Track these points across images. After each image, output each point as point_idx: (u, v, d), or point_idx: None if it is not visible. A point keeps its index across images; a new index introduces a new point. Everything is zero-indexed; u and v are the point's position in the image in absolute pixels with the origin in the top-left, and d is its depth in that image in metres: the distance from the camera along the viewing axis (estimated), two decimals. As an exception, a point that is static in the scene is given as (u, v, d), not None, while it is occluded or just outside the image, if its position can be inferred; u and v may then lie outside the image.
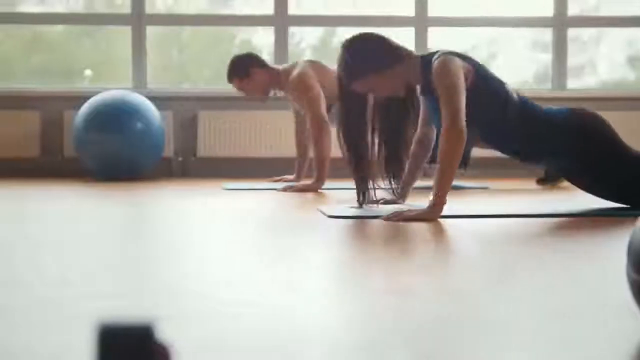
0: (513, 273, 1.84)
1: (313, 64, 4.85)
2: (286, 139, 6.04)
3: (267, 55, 6.50)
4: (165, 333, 1.25)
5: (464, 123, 2.93)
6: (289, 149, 5.82)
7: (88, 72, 6.78)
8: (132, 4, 6.33)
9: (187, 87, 6.74)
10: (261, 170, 6.06)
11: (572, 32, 6.75)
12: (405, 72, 3.14)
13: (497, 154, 5.25)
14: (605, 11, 6.91)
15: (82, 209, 3.44)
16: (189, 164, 6.28)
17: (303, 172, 5.19)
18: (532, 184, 5.02)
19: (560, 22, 6.51)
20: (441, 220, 2.90)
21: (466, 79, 3.03)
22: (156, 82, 6.57)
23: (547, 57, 6.83)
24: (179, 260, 2.05)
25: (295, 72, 4.79)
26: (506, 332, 1.28)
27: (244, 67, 4.92)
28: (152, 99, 5.88)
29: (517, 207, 3.38)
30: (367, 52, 3.12)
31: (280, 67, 5.03)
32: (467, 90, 3.02)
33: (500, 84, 3.15)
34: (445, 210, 2.94)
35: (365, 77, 3.10)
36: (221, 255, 2.16)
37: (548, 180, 4.93)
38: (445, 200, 2.93)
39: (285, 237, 2.52)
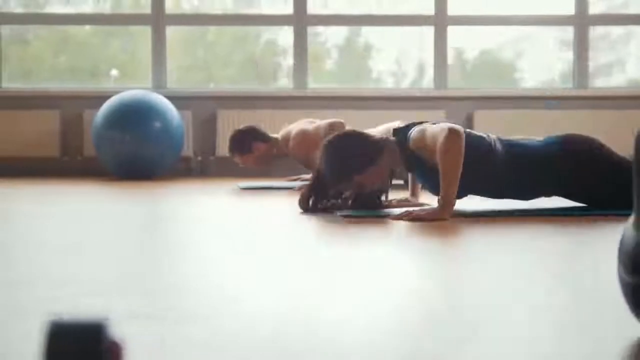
0: (514, 271, 1.83)
1: (307, 122, 4.90)
2: (305, 138, 6.04)
3: (290, 55, 6.52)
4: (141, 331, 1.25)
5: (458, 126, 2.92)
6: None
7: (114, 72, 6.83)
8: (152, 4, 6.36)
9: (206, 86, 6.76)
10: (279, 169, 6.06)
11: (600, 30, 6.71)
12: (388, 162, 3.14)
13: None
14: (634, 9, 6.84)
15: (98, 208, 3.46)
16: (208, 163, 6.30)
17: (320, 172, 5.18)
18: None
19: (582, 20, 6.45)
20: (451, 220, 2.88)
21: None
22: (181, 81, 6.62)
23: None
24: (185, 259, 2.05)
25: (293, 134, 4.83)
26: (500, 330, 1.27)
27: (246, 143, 4.93)
28: (172, 98, 5.90)
29: (532, 206, 3.35)
30: (348, 154, 3.10)
31: (278, 135, 5.02)
32: None
33: (479, 140, 3.11)
34: (455, 209, 2.92)
35: (350, 178, 3.11)
36: (225, 254, 2.16)
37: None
38: (454, 199, 2.91)
39: (293, 235, 2.52)
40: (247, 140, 4.92)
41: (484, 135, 3.15)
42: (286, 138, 4.91)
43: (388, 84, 7.06)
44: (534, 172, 3.11)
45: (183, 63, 6.92)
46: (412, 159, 3.11)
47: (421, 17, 6.50)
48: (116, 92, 5.79)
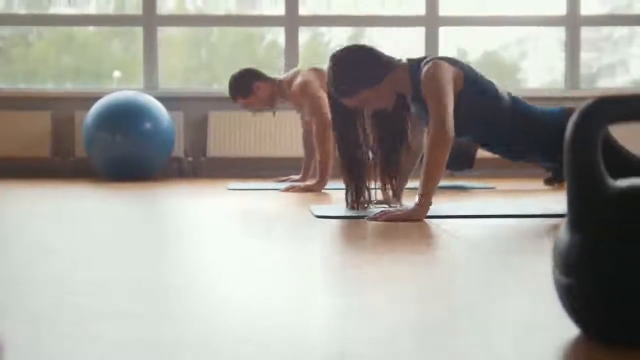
0: (470, 273, 1.84)
1: (315, 70, 4.83)
2: (296, 139, 6.05)
3: (293, 55, 6.53)
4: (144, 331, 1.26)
5: (451, 126, 2.92)
6: (298, 149, 5.83)
7: (117, 73, 6.85)
8: (144, 5, 6.38)
9: (198, 88, 6.78)
10: (271, 170, 6.07)
11: (605, 31, 6.72)
12: (394, 84, 3.12)
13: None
14: (637, 9, 6.84)
15: (87, 209, 3.47)
16: (199, 164, 6.31)
17: (309, 173, 5.19)
18: (539, 184, 4.99)
19: (573, 21, 6.46)
20: (426, 221, 2.89)
21: (456, 84, 3.02)
22: (185, 82, 6.64)
23: (581, 57, 6.82)
24: (173, 260, 2.06)
25: (297, 81, 4.78)
26: (447, 332, 1.28)
27: (246, 84, 4.89)
28: (163, 99, 5.91)
29: (508, 208, 3.35)
30: (356, 68, 3.09)
31: (281, 76, 5.01)
32: (458, 94, 3.02)
33: (490, 86, 3.13)
34: (432, 211, 2.93)
35: (355, 93, 3.09)
36: (214, 255, 2.17)
37: (556, 180, 4.90)
38: (431, 201, 2.92)
39: (267, 237, 2.53)
40: (246, 81, 4.87)
41: (494, 83, 3.17)
42: (290, 81, 4.84)
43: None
44: (532, 133, 3.10)
45: (187, 64, 6.95)
46: (417, 91, 3.09)
47: (412, 17, 6.50)
48: (107, 93, 5.80)
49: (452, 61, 3.08)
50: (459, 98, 3.01)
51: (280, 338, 1.24)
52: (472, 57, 7.12)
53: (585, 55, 6.64)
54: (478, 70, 3.18)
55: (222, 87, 6.65)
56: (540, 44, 7.02)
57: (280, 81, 4.91)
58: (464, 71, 3.07)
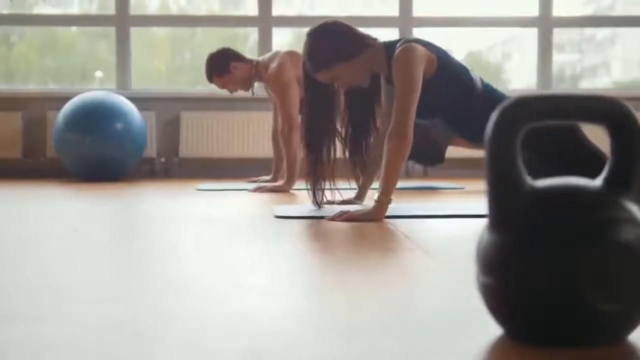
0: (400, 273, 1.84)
1: (292, 54, 4.80)
2: (269, 140, 6.04)
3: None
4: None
5: (411, 127, 2.92)
6: (271, 150, 5.83)
7: (99, 73, 6.83)
8: (116, 5, 6.36)
9: (169, 87, 6.77)
10: (244, 170, 6.07)
11: (588, 32, 6.77)
12: (370, 61, 3.12)
13: (475, 153, 5.24)
14: (620, 11, 6.90)
15: (41, 210, 3.46)
16: (172, 165, 6.30)
17: (280, 173, 5.18)
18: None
19: (546, 23, 6.48)
20: (386, 220, 2.89)
21: (428, 67, 3.02)
22: (170, 83, 6.63)
23: (564, 58, 6.84)
24: (139, 260, 2.06)
25: (274, 64, 4.75)
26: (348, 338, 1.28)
27: (223, 63, 4.83)
28: (136, 99, 5.90)
29: (468, 207, 3.36)
30: (332, 41, 3.09)
31: (259, 58, 4.99)
32: (431, 78, 3.01)
33: (464, 71, 3.13)
34: (391, 210, 2.94)
35: (330, 66, 3.08)
36: (178, 253, 2.17)
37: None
38: (390, 201, 2.92)
39: (222, 237, 2.53)
40: (224, 60, 4.81)
41: (469, 69, 3.18)
42: (267, 64, 4.80)
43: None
44: None
45: (170, 65, 6.96)
46: (390, 73, 3.08)
47: (386, 18, 6.51)
48: (79, 93, 5.77)
49: (426, 44, 3.08)
50: (431, 82, 3.01)
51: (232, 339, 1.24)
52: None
53: (566, 57, 6.70)
54: (453, 55, 3.18)
55: (190, 88, 6.65)
56: (526, 45, 7.06)
57: (258, 62, 4.88)
58: (437, 55, 3.07)
